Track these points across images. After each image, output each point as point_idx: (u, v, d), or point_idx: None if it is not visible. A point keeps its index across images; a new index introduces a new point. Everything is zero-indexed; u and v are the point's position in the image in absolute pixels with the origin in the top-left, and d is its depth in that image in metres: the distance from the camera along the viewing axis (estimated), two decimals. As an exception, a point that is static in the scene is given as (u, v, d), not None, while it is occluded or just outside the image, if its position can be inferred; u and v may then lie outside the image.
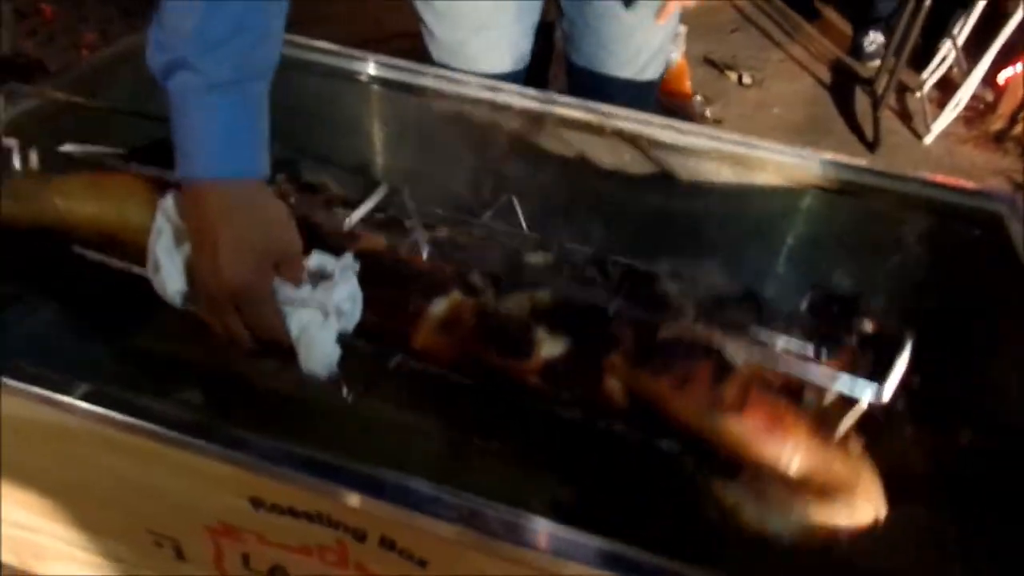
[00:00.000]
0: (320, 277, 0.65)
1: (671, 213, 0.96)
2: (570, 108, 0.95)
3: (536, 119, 0.95)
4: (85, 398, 0.56)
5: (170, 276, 0.65)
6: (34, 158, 0.75)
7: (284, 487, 0.53)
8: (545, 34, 1.15)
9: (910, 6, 2.23)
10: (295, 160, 0.93)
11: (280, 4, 0.61)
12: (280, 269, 0.63)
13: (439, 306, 0.66)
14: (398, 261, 0.72)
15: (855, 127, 2.46)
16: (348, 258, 0.67)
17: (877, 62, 2.57)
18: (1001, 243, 0.82)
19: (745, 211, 0.93)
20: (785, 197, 0.91)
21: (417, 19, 1.07)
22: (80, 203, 0.72)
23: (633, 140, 0.93)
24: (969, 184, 0.85)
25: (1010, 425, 0.71)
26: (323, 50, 1.00)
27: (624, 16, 1.04)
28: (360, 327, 0.67)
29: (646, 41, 1.08)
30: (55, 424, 0.58)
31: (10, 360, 0.58)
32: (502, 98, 0.96)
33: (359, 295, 0.67)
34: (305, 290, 0.63)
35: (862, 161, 0.88)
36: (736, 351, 0.60)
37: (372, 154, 1.05)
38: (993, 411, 0.75)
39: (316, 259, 0.66)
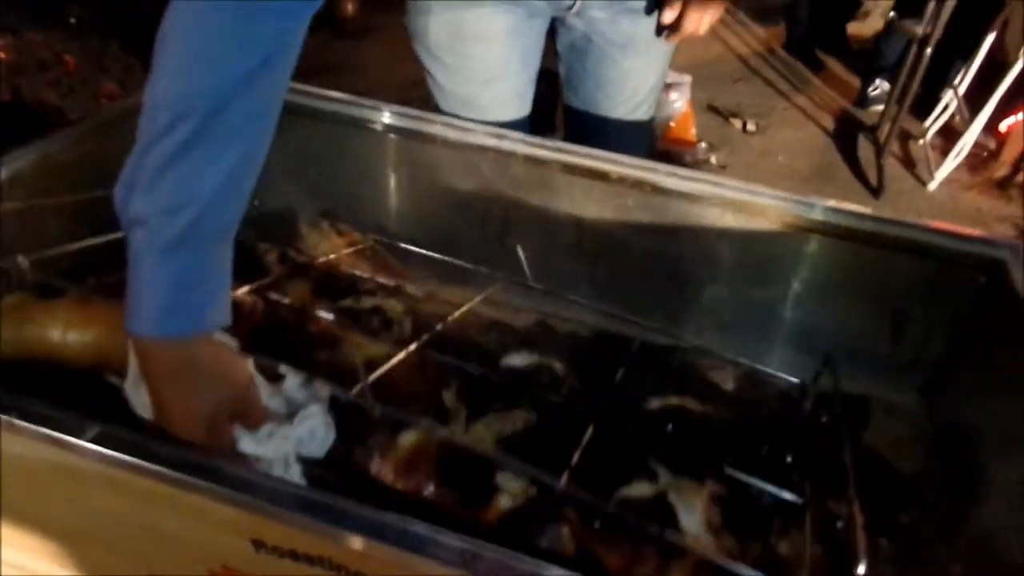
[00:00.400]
0: (288, 406, 0.64)
1: (675, 259, 0.97)
2: (577, 156, 0.97)
3: (543, 166, 0.97)
4: (91, 439, 0.56)
5: (141, 408, 0.62)
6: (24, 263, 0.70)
7: (286, 529, 0.53)
8: (548, 81, 1.19)
9: (912, 55, 2.28)
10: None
11: (253, 167, 0.58)
12: (240, 420, 0.61)
13: (405, 440, 0.65)
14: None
15: (859, 174, 2.49)
16: (316, 388, 0.65)
17: (880, 107, 2.61)
18: (1006, 289, 0.82)
19: (748, 257, 0.94)
20: (789, 243, 0.92)
21: (425, 72, 1.11)
22: (72, 332, 0.67)
23: (638, 186, 0.95)
24: (972, 231, 0.86)
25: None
26: (341, 100, 1.03)
27: (621, 61, 1.08)
28: (331, 452, 0.65)
29: (642, 83, 1.13)
30: (59, 464, 0.58)
31: (15, 398, 0.58)
32: (510, 146, 0.98)
33: (331, 423, 0.65)
34: (266, 434, 0.61)
35: (866, 208, 0.89)
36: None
37: (383, 199, 1.07)
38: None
39: (285, 388, 0.64)
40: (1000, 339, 0.81)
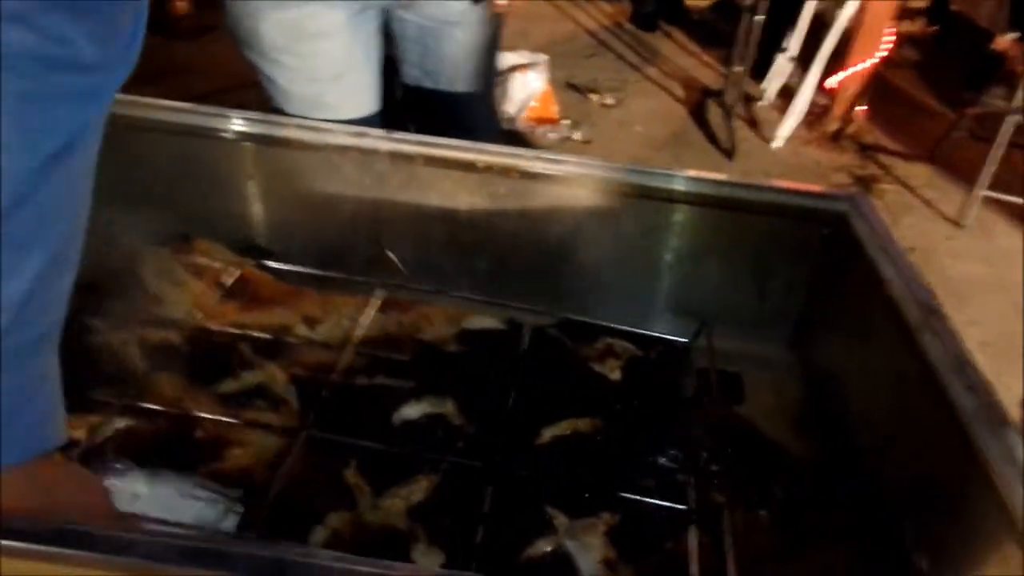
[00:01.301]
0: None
1: (551, 241, 0.98)
2: (442, 148, 0.95)
3: (408, 161, 0.95)
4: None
5: None
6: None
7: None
8: (389, 73, 1.17)
9: (744, 23, 2.42)
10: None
11: (66, 266, 0.49)
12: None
13: (318, 536, 0.64)
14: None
15: (712, 138, 2.63)
16: (228, 501, 0.63)
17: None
18: (849, 239, 0.89)
19: (619, 231, 0.96)
20: (655, 215, 0.95)
21: (260, 77, 1.05)
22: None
23: (506, 173, 0.95)
24: (815, 187, 0.93)
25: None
26: (186, 110, 0.95)
27: (458, 36, 1.10)
28: None
29: (480, 55, 1.14)
30: None
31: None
32: (371, 143, 0.95)
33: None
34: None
35: (721, 173, 0.94)
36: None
37: (245, 212, 1.00)
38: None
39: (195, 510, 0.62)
40: (848, 286, 0.88)
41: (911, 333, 0.71)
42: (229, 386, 0.75)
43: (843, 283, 0.90)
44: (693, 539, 0.66)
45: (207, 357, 0.76)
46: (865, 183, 2.48)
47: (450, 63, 1.14)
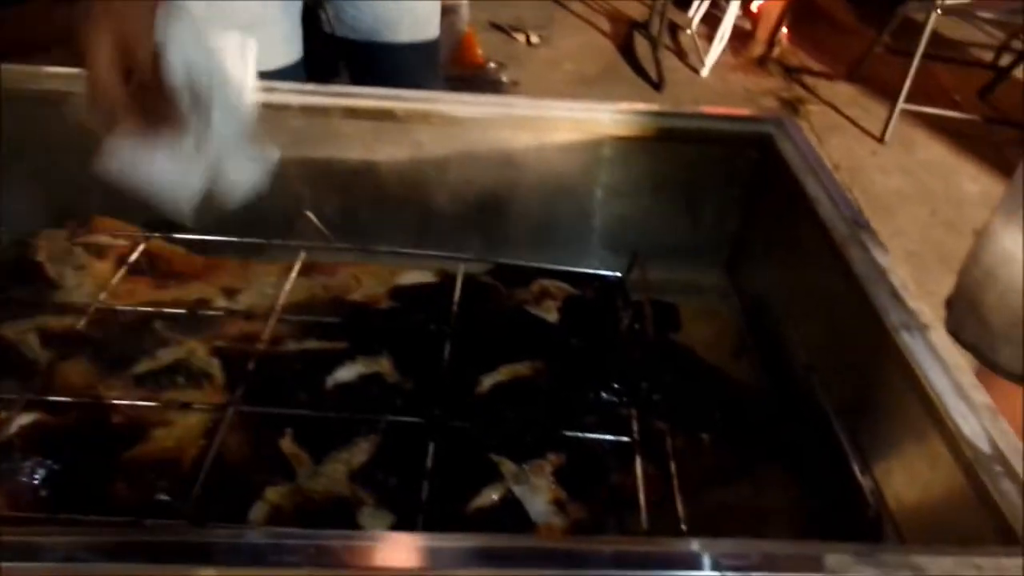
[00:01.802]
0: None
1: (480, 186, 0.95)
2: (358, 98, 0.90)
3: (323, 115, 0.90)
4: None
5: None
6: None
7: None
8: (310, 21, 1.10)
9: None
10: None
11: None
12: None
13: (258, 514, 0.61)
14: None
15: (640, 70, 2.60)
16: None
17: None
18: (776, 161, 0.89)
19: (549, 171, 0.94)
20: (586, 152, 0.93)
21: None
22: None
23: (426, 119, 0.91)
24: (742, 111, 0.92)
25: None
26: (74, 76, 0.87)
27: None
28: None
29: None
30: None
31: None
32: (282, 98, 0.89)
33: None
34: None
35: (651, 104, 0.92)
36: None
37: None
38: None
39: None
40: (778, 208, 0.88)
41: (838, 248, 0.72)
42: (145, 367, 0.70)
43: (772, 205, 0.90)
44: (639, 469, 0.66)
45: (118, 340, 0.72)
46: (791, 106, 2.50)
47: (394, 14, 1.08)
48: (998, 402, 0.60)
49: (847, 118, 2.41)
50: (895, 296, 0.64)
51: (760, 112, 0.93)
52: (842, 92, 2.56)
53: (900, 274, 0.66)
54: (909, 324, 0.62)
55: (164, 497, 0.58)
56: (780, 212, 0.88)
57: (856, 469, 0.66)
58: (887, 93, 2.35)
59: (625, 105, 0.92)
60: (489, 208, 0.96)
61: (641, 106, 0.93)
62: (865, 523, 0.64)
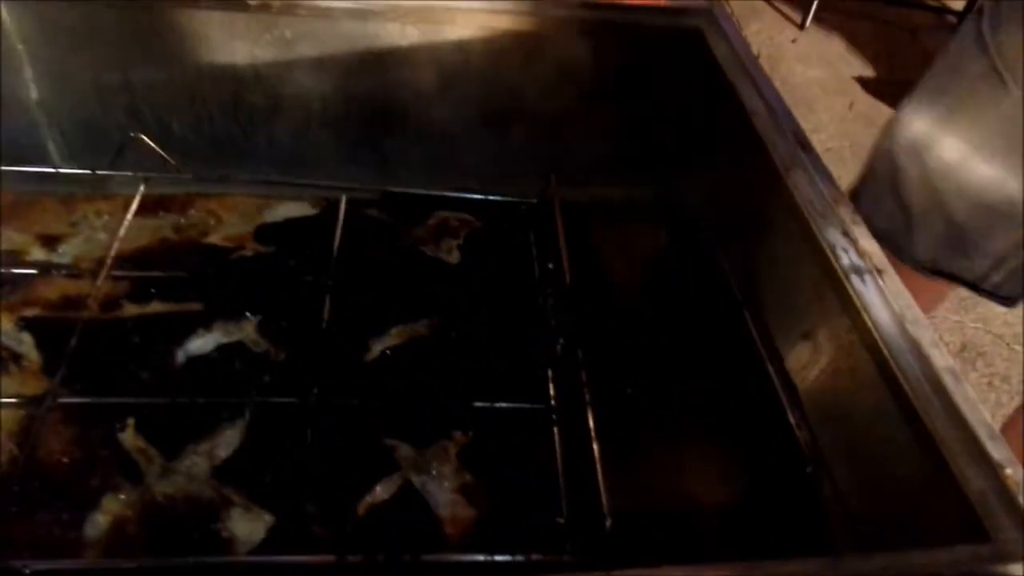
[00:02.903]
0: None
1: (361, 96, 0.79)
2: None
3: (152, 4, 0.71)
4: None
5: None
6: None
7: None
8: None
9: None
10: None
11: None
12: None
13: (96, 527, 0.49)
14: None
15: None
16: None
17: None
18: (704, 56, 0.77)
19: (446, 75, 0.79)
20: (487, 52, 0.78)
21: None
22: None
23: (291, 10, 0.73)
24: (668, 3, 0.78)
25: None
26: None
27: None
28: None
29: None
30: None
31: None
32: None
33: None
34: None
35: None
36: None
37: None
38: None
39: None
40: (708, 119, 0.78)
41: (779, 175, 0.62)
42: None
43: (703, 115, 0.79)
44: (557, 443, 0.57)
45: None
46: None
47: None
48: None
49: (767, 2, 2.29)
50: (845, 235, 0.55)
51: (686, 2, 0.79)
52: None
53: (849, 208, 0.58)
54: (860, 268, 0.54)
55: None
56: (712, 124, 0.77)
57: (792, 422, 0.60)
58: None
59: (534, -7, 0.76)
60: (375, 122, 0.80)
61: (551, -7, 0.78)
62: (803, 480, 0.58)
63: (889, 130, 0.85)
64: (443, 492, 0.53)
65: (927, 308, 0.99)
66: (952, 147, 0.77)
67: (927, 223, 0.82)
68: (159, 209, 0.70)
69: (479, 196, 0.75)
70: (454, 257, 0.68)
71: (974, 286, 0.83)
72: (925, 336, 0.49)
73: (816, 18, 2.22)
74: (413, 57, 0.77)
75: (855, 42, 2.22)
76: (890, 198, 0.85)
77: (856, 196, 0.88)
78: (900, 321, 0.50)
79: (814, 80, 2.04)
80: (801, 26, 2.21)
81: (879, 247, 0.55)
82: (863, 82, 2.05)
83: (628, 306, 0.69)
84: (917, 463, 0.48)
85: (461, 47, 0.77)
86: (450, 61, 0.78)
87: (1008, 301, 0.84)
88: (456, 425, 0.56)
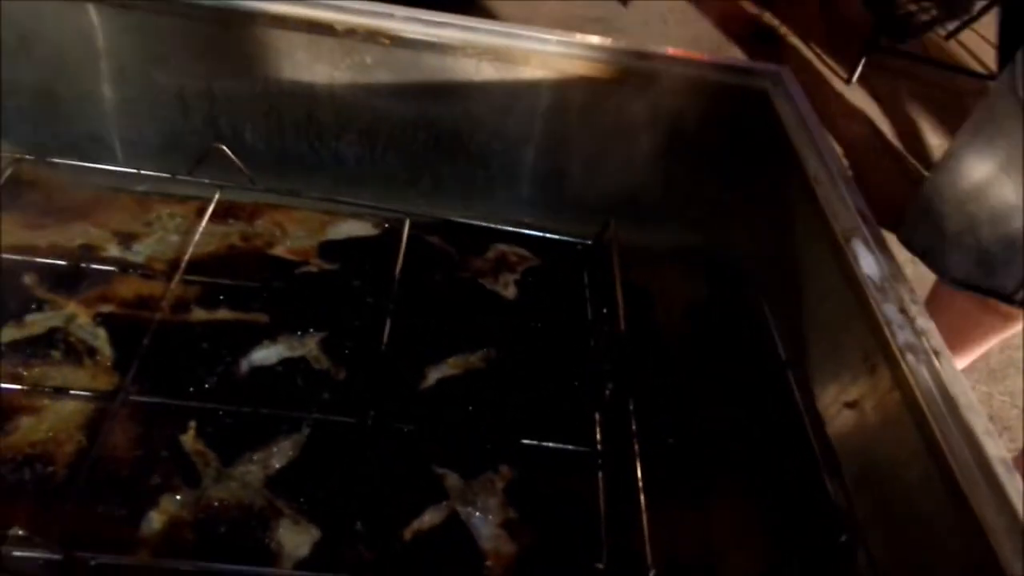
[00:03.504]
0: None
1: (432, 123, 0.81)
2: (285, 3, 0.74)
3: (247, 23, 0.73)
4: None
5: None
6: None
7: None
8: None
9: None
10: None
11: None
12: None
13: (152, 526, 0.51)
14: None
15: (607, -21, 2.40)
16: None
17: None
18: (770, 120, 0.79)
19: (514, 112, 0.81)
20: (558, 92, 0.80)
21: None
22: None
23: (373, 38, 0.76)
24: (737, 61, 0.80)
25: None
26: None
27: None
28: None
29: None
30: None
31: None
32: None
33: None
34: None
35: (629, 44, 0.79)
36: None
37: (20, 87, 0.76)
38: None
39: None
40: (769, 180, 0.79)
41: (839, 245, 0.63)
42: (11, 335, 0.57)
43: (764, 175, 0.80)
44: (601, 487, 0.58)
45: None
46: (768, 35, 2.37)
47: None
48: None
49: (815, 53, 2.31)
50: (903, 312, 0.57)
51: (756, 64, 0.81)
52: (814, 24, 2.45)
53: (907, 284, 0.59)
54: (916, 347, 0.55)
55: (20, 532, 0.46)
56: (772, 184, 0.78)
57: (830, 488, 0.61)
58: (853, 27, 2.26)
59: (607, 42, 0.79)
60: (441, 149, 0.83)
61: (623, 45, 0.80)
62: (837, 548, 0.59)
63: (936, 166, 0.98)
64: (487, 525, 0.55)
65: (978, 342, 1.09)
66: (986, 178, 0.88)
67: (961, 245, 0.92)
68: (228, 216, 0.72)
69: (537, 233, 0.76)
70: (511, 292, 0.69)
71: (1008, 299, 0.93)
72: (979, 424, 0.50)
73: (863, 73, 2.23)
74: (485, 92, 0.80)
75: (902, 102, 2.23)
76: (929, 219, 0.96)
77: (901, 222, 1.01)
78: (954, 405, 0.51)
79: (862, 137, 2.05)
80: (848, 80, 2.23)
81: (933, 327, 0.56)
82: (913, 147, 2.07)
83: (677, 355, 0.71)
84: (959, 547, 0.49)
85: (532, 87, 0.79)
86: (521, 99, 0.80)
87: None
88: (503, 460, 0.58)
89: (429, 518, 0.54)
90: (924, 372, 0.53)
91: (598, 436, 0.60)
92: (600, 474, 0.58)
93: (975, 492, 0.47)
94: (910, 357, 0.54)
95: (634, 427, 0.59)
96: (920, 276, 1.21)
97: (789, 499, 0.64)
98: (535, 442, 0.59)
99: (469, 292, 0.68)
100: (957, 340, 1.10)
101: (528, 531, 0.55)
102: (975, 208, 0.91)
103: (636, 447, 0.57)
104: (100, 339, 0.59)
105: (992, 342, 1.14)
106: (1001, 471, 0.47)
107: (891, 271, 0.60)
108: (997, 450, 0.48)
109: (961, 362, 1.21)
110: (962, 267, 0.94)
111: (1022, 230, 0.86)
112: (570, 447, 0.59)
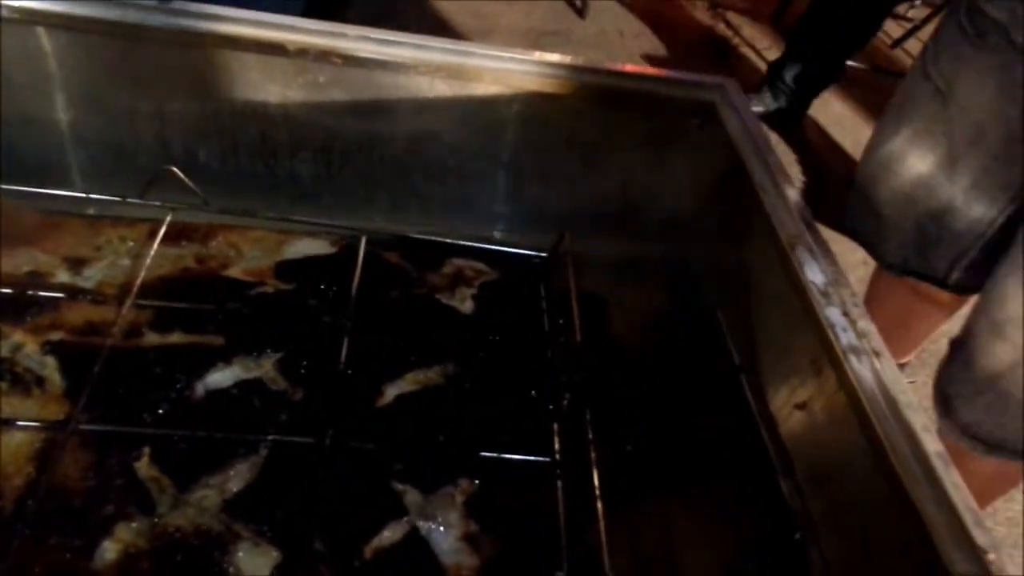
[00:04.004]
0: None
1: (386, 140, 0.82)
2: (241, 24, 0.74)
3: (195, 43, 0.73)
4: None
5: None
6: None
7: None
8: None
9: None
10: None
11: None
12: None
13: (107, 554, 0.50)
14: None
15: (563, -7, 2.43)
16: None
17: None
18: (716, 130, 0.81)
19: (467, 128, 0.82)
20: (509, 108, 0.81)
21: None
22: None
23: (325, 57, 0.76)
24: (684, 75, 0.82)
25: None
26: None
27: None
28: None
29: None
30: None
31: None
32: (138, 17, 0.72)
33: None
34: None
35: (581, 60, 0.81)
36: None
37: None
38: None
39: None
40: (717, 188, 0.81)
41: (784, 251, 0.65)
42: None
43: (712, 184, 0.82)
44: (560, 496, 0.59)
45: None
46: (721, 46, 2.43)
47: None
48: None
49: (767, 62, 2.37)
50: (846, 315, 0.59)
51: (703, 76, 0.83)
52: (763, 34, 2.51)
53: (850, 289, 0.61)
54: (858, 348, 0.57)
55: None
56: (721, 193, 0.80)
57: (784, 489, 0.62)
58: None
59: (560, 58, 0.80)
60: (395, 166, 0.83)
61: (575, 60, 0.81)
62: (791, 546, 0.61)
63: (865, 152, 1.02)
64: (448, 539, 0.55)
65: (918, 332, 1.16)
66: (908, 161, 0.93)
67: (894, 228, 0.97)
68: (182, 238, 0.72)
69: (493, 247, 0.77)
70: (467, 307, 0.70)
71: (941, 283, 0.97)
72: (918, 421, 0.52)
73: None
74: (438, 109, 0.80)
75: (845, 109, 2.30)
76: (869, 205, 0.99)
77: (844, 211, 1.05)
78: (894, 404, 0.53)
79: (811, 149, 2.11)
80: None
81: (875, 331, 0.58)
82: (857, 153, 2.12)
83: (632, 362, 0.72)
84: (903, 542, 0.51)
85: (486, 103, 0.80)
86: (474, 115, 0.81)
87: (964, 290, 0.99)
88: (463, 473, 0.58)
89: (389, 534, 0.54)
90: (867, 373, 0.55)
91: (556, 446, 0.61)
92: (559, 483, 0.59)
93: (915, 490, 0.49)
94: (852, 359, 0.56)
95: (591, 436, 0.59)
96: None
97: (746, 501, 0.65)
98: (494, 454, 0.59)
99: (426, 308, 0.69)
100: (897, 332, 1.14)
101: (489, 543, 0.55)
102: (900, 191, 0.95)
103: (593, 455, 0.58)
104: (49, 367, 0.58)
105: (932, 332, 1.18)
106: (939, 465, 0.49)
107: (834, 276, 0.62)
108: (935, 445, 0.50)
109: (905, 355, 1.25)
110: (897, 252, 0.98)
111: (944, 209, 0.90)
112: (529, 458, 0.60)
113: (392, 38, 0.77)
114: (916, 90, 0.93)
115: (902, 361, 1.27)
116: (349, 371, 0.61)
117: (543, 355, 0.67)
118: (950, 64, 0.88)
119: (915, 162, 0.93)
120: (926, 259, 0.96)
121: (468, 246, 0.76)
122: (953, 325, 1.08)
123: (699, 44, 2.41)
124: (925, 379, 1.61)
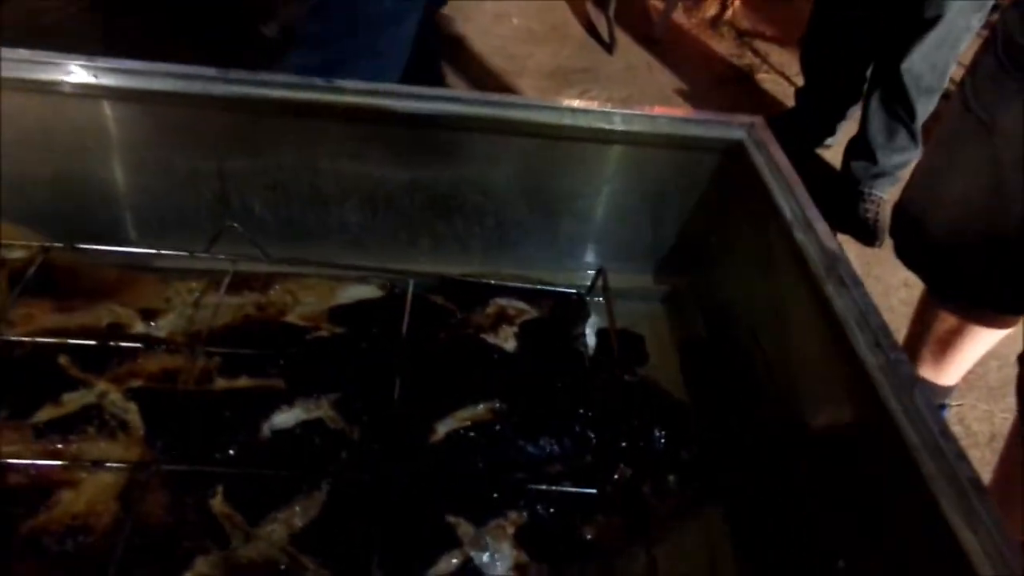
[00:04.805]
0: None
1: (430, 188, 0.87)
2: (286, 89, 0.80)
3: (249, 108, 0.79)
4: None
5: None
6: None
7: None
8: None
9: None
10: None
11: None
12: None
13: None
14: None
15: (591, 30, 2.50)
16: None
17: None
18: (745, 168, 0.84)
19: (503, 171, 0.87)
20: (542, 151, 0.86)
21: None
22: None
23: (368, 115, 0.81)
24: (711, 115, 0.86)
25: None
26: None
27: None
28: None
29: None
30: None
31: None
32: (200, 88, 0.78)
33: None
34: None
35: (609, 106, 0.85)
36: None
37: (43, 179, 0.82)
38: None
39: None
40: (747, 218, 0.84)
41: (814, 283, 0.68)
42: (48, 414, 0.61)
43: (741, 220, 0.85)
44: (608, 523, 0.62)
45: (11, 379, 0.62)
46: (745, 74, 2.46)
47: None
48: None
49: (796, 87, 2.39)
50: (877, 345, 0.61)
51: (732, 116, 0.86)
52: (792, 60, 2.53)
53: (882, 319, 0.63)
54: (887, 370, 0.59)
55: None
56: (750, 229, 0.83)
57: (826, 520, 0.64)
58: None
59: (587, 104, 0.84)
60: (438, 209, 0.88)
61: (603, 106, 0.85)
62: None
63: (913, 184, 1.07)
64: (500, 569, 0.58)
65: (968, 352, 1.16)
66: (962, 188, 0.94)
67: (951, 259, 0.97)
68: (243, 288, 0.77)
69: (532, 286, 0.81)
70: (511, 344, 0.73)
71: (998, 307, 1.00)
72: (952, 449, 0.53)
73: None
74: (474, 155, 0.85)
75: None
76: (919, 241, 1.02)
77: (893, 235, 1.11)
78: (932, 433, 0.55)
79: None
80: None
81: (906, 357, 0.60)
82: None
83: (669, 396, 0.74)
84: None
85: (520, 148, 0.85)
86: (510, 161, 0.86)
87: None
88: (513, 506, 0.61)
89: (444, 565, 0.57)
90: (896, 403, 0.57)
91: (603, 478, 0.64)
92: (607, 514, 0.61)
93: (954, 518, 0.50)
94: (886, 388, 0.58)
95: (637, 467, 0.62)
96: (914, 299, 1.25)
97: (784, 539, 0.67)
98: (543, 487, 0.62)
99: (472, 347, 0.72)
100: (946, 355, 1.14)
101: (537, 571, 0.58)
102: (953, 222, 0.98)
103: (641, 486, 0.61)
104: (131, 412, 0.63)
105: (981, 354, 1.17)
106: (972, 492, 0.51)
107: (865, 307, 0.64)
108: (968, 472, 0.52)
109: (953, 378, 1.24)
110: (952, 280, 1.00)
111: (997, 238, 0.92)
112: (577, 490, 0.63)
113: (431, 93, 0.82)
114: (959, 123, 0.96)
115: (950, 384, 1.26)
116: (402, 410, 0.65)
117: (585, 389, 0.70)
118: (991, 96, 0.92)
119: (966, 193, 0.95)
120: (983, 286, 0.98)
121: (509, 286, 0.80)
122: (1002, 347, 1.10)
123: (727, 74, 2.44)
124: (973, 402, 1.59)
